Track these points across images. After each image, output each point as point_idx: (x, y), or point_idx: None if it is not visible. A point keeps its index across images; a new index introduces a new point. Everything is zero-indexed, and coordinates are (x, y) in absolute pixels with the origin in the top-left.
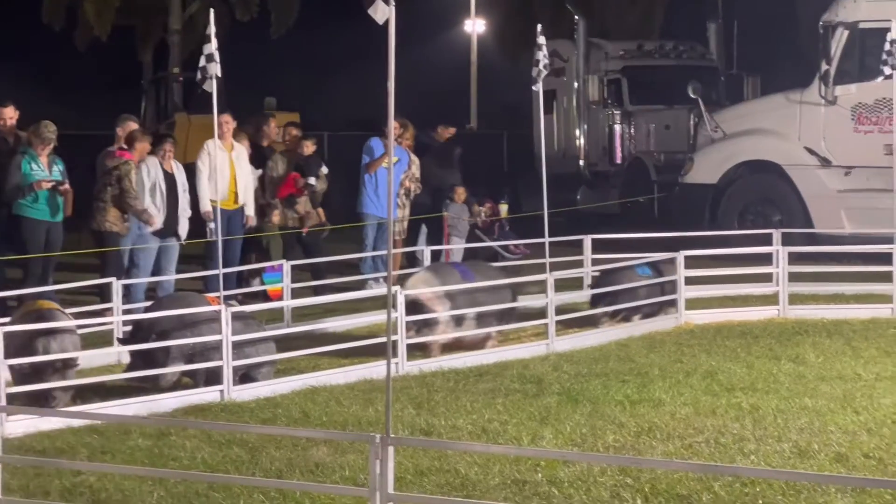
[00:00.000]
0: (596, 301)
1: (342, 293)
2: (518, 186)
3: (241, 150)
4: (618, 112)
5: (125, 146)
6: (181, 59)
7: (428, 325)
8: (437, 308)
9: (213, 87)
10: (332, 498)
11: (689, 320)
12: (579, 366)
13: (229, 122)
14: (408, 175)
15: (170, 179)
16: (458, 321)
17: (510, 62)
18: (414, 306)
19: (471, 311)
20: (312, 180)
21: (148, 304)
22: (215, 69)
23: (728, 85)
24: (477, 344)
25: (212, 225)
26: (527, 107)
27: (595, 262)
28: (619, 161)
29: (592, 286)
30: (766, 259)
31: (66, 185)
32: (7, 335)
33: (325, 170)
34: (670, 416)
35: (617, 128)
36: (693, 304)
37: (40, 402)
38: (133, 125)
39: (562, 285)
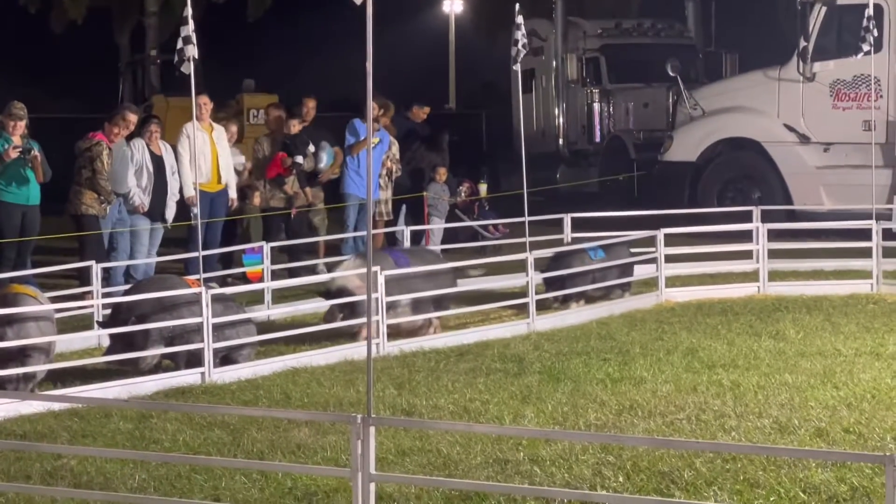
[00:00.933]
0: (549, 284)
1: (323, 274)
2: (497, 166)
3: (221, 131)
4: (596, 90)
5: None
6: (158, 41)
7: (356, 313)
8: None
9: (190, 68)
10: (313, 479)
11: (670, 298)
12: (560, 344)
13: (207, 104)
14: (389, 156)
15: (157, 161)
16: (390, 308)
17: (488, 41)
18: (342, 294)
19: (403, 298)
20: (300, 159)
21: (127, 287)
22: (192, 51)
23: (707, 62)
24: (416, 330)
25: (196, 210)
26: (505, 86)
27: (575, 240)
28: (598, 140)
29: (543, 270)
30: (745, 236)
31: (35, 152)
32: None
33: (312, 148)
34: (651, 394)
35: (596, 106)
36: (673, 281)
37: (15, 386)
38: (131, 116)
39: (543, 264)
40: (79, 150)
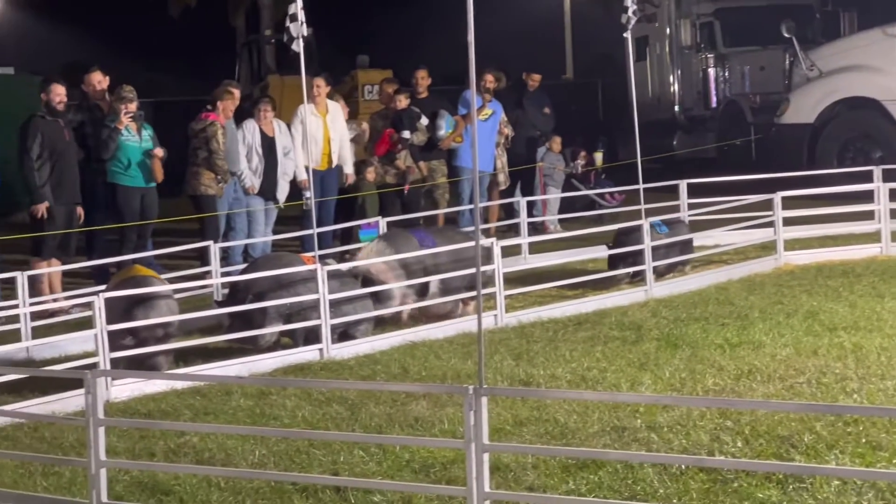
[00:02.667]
0: (614, 261)
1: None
2: (614, 134)
3: (336, 110)
4: (711, 55)
5: (210, 107)
6: (273, 21)
7: (381, 299)
8: (388, 279)
9: (300, 47)
10: (430, 451)
11: (789, 261)
12: (678, 311)
13: (321, 86)
14: (502, 123)
15: (268, 142)
16: (419, 291)
17: (603, 10)
18: (365, 280)
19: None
20: (406, 134)
21: (245, 266)
22: (302, 30)
23: (823, 22)
24: (445, 314)
25: (308, 193)
26: (621, 55)
27: (691, 206)
28: (714, 105)
29: (610, 246)
30: (866, 197)
31: (159, 150)
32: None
33: (424, 121)
34: (771, 358)
35: (711, 71)
36: (792, 244)
37: (143, 367)
38: (224, 88)
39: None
40: (192, 131)
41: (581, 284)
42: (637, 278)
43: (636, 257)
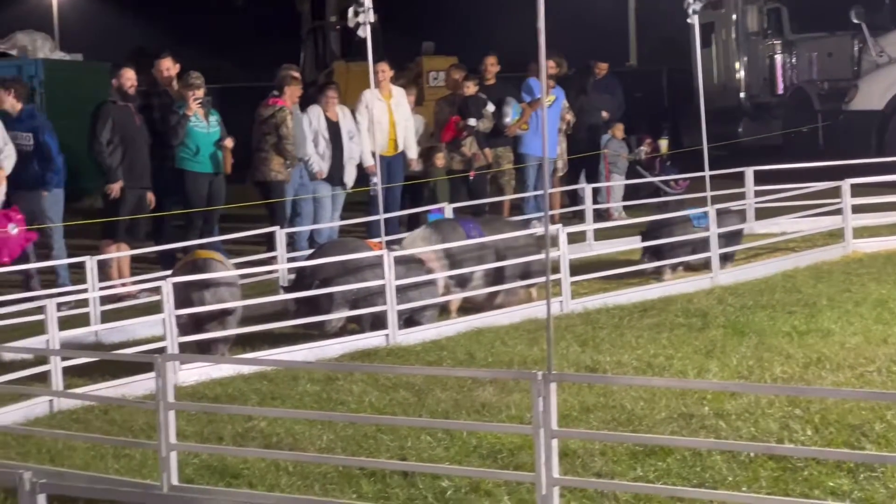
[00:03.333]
0: (646, 253)
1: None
2: (678, 121)
3: (400, 95)
4: (778, 42)
5: (276, 93)
6: (338, 7)
7: (421, 287)
8: (434, 268)
9: (367, 33)
10: (498, 437)
11: (858, 249)
12: (744, 298)
13: (386, 71)
14: (564, 108)
15: (333, 127)
16: (462, 282)
17: None
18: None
19: (473, 271)
20: (472, 121)
21: (311, 251)
22: (368, 16)
23: (893, 8)
24: (490, 304)
25: (375, 179)
26: (686, 41)
27: (758, 193)
28: (780, 91)
29: (643, 238)
30: None
31: (229, 140)
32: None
33: (490, 108)
34: (840, 346)
35: (778, 58)
36: (860, 232)
37: (203, 351)
38: (288, 73)
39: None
40: (261, 117)
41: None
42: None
43: (666, 250)
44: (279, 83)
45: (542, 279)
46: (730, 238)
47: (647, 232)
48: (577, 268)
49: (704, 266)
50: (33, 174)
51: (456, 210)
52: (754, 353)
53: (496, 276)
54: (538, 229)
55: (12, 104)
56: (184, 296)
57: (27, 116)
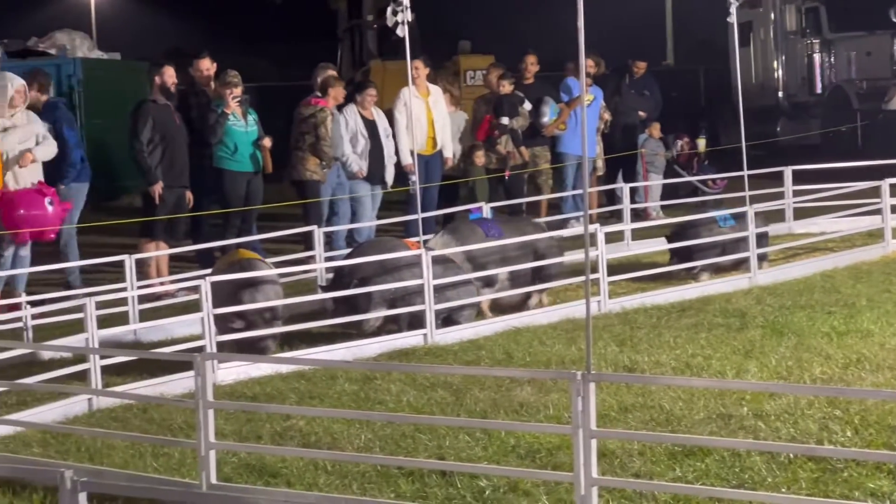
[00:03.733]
0: (673, 255)
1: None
2: (716, 120)
3: (438, 94)
4: (816, 41)
5: (319, 94)
6: (375, 6)
7: (458, 286)
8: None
9: (404, 32)
10: (536, 437)
11: None
12: (783, 298)
13: (422, 69)
14: (602, 108)
15: (370, 126)
16: (488, 283)
17: None
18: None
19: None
20: (505, 120)
21: (349, 250)
22: (405, 15)
23: None
24: (516, 305)
25: (413, 177)
26: (723, 40)
27: (796, 193)
28: (819, 91)
29: (669, 239)
30: None
31: (267, 140)
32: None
33: (527, 106)
34: (879, 347)
35: (816, 57)
36: None
37: (250, 350)
38: (330, 72)
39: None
40: (301, 116)
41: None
42: (694, 272)
43: (694, 252)
44: (323, 84)
45: (576, 279)
46: (757, 240)
47: (673, 234)
48: (615, 268)
49: (734, 267)
50: (50, 167)
51: (492, 209)
52: (793, 354)
53: (520, 278)
54: (567, 230)
55: (35, 97)
56: (230, 295)
57: (48, 109)
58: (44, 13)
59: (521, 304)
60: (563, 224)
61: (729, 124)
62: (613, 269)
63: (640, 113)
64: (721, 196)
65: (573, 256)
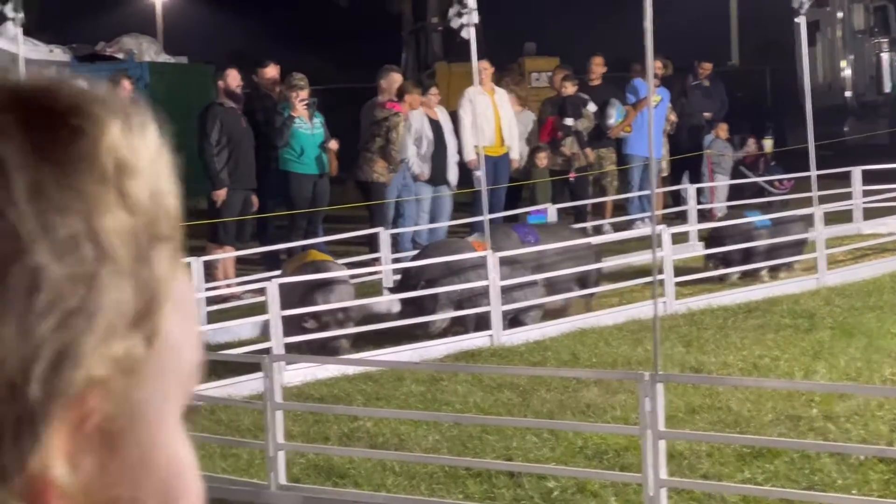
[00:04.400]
0: (710, 259)
1: (609, 234)
2: (782, 121)
3: (503, 94)
4: (885, 40)
5: (395, 98)
6: (439, 8)
7: (525, 287)
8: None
9: (470, 34)
10: (603, 437)
11: None
12: (852, 299)
13: (487, 69)
14: (669, 110)
15: (435, 127)
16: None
17: None
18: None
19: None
20: (569, 121)
21: (415, 252)
22: (471, 17)
23: None
24: (559, 311)
25: (478, 173)
26: (789, 40)
27: (865, 193)
28: (887, 90)
29: (706, 244)
30: None
31: (334, 143)
32: (283, 287)
33: (592, 107)
34: None
35: (884, 56)
36: None
37: (323, 351)
38: (397, 76)
39: (832, 218)
40: (373, 119)
41: (752, 271)
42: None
43: (731, 257)
44: (400, 90)
45: (642, 280)
46: (794, 246)
47: (710, 239)
48: (681, 269)
49: (772, 271)
50: None
51: (559, 211)
52: (863, 355)
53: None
54: (633, 231)
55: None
56: (303, 296)
57: None
58: (111, 18)
59: (562, 310)
60: (628, 225)
61: (796, 124)
62: (679, 270)
63: (706, 114)
64: (788, 197)
65: (639, 257)
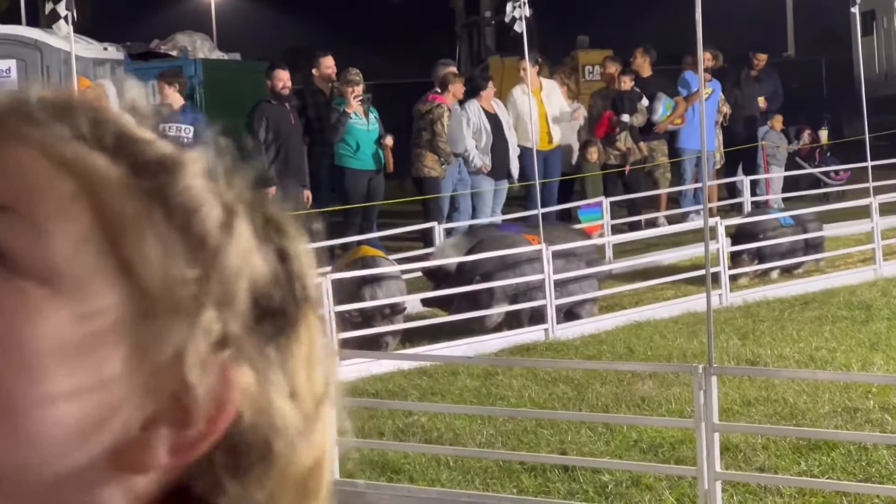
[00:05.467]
0: (736, 256)
1: (663, 227)
2: (838, 111)
3: (552, 88)
4: None
5: (438, 90)
6: (493, 2)
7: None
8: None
9: (522, 28)
10: (658, 431)
11: None
12: None
13: (531, 68)
14: (720, 101)
15: (493, 120)
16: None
17: None
18: (439, 277)
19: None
20: (625, 117)
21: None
22: (523, 10)
23: None
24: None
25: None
26: (845, 30)
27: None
28: None
29: (732, 241)
30: None
31: (389, 139)
32: (335, 282)
33: (645, 102)
34: None
35: None
36: None
37: (370, 346)
38: (449, 69)
39: (888, 209)
40: (418, 112)
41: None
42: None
43: (756, 253)
44: (442, 81)
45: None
46: (812, 244)
47: (736, 236)
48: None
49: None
50: None
51: (612, 204)
52: None
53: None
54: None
55: (175, 98)
56: (353, 292)
57: (188, 110)
58: (165, 15)
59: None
60: (682, 218)
61: (852, 115)
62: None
63: (761, 103)
64: (844, 188)
65: (694, 250)
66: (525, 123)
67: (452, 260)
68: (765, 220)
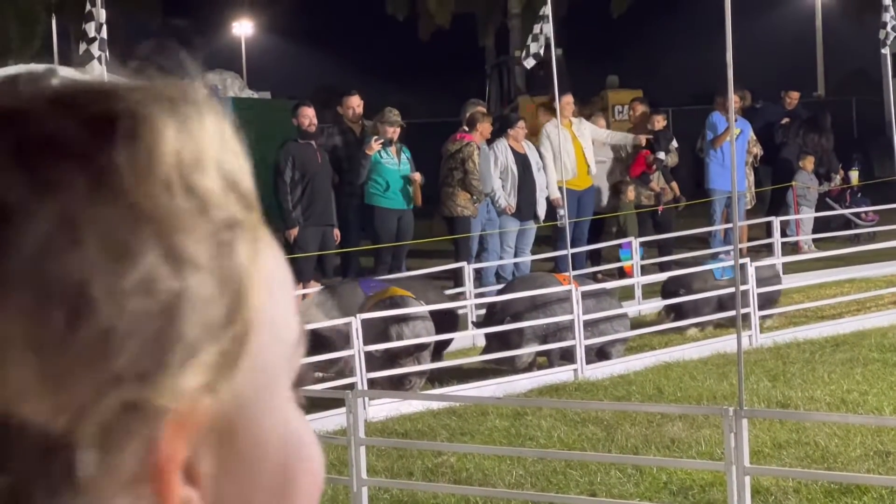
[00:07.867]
0: (668, 309)
1: (692, 267)
2: (869, 152)
3: (584, 125)
4: None
5: (466, 128)
6: (522, 42)
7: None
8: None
9: (552, 68)
10: (688, 473)
11: None
12: None
13: (569, 103)
14: (751, 142)
15: (521, 160)
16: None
17: (857, 26)
18: (319, 341)
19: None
20: (662, 155)
21: (500, 286)
22: (552, 51)
23: None
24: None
25: (561, 212)
26: (876, 71)
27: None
28: None
29: (663, 295)
30: None
31: (417, 175)
32: (363, 322)
33: (675, 144)
34: None
35: None
36: None
37: (398, 386)
38: (477, 108)
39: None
40: (448, 151)
41: (839, 304)
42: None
43: (688, 307)
44: (470, 119)
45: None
46: (765, 297)
47: (667, 287)
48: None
49: (730, 322)
50: None
51: (643, 245)
52: None
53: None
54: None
55: None
56: (381, 331)
57: None
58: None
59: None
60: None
61: (882, 156)
62: (765, 303)
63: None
64: (875, 229)
65: (724, 290)
66: (562, 157)
67: (481, 300)
68: (695, 272)
